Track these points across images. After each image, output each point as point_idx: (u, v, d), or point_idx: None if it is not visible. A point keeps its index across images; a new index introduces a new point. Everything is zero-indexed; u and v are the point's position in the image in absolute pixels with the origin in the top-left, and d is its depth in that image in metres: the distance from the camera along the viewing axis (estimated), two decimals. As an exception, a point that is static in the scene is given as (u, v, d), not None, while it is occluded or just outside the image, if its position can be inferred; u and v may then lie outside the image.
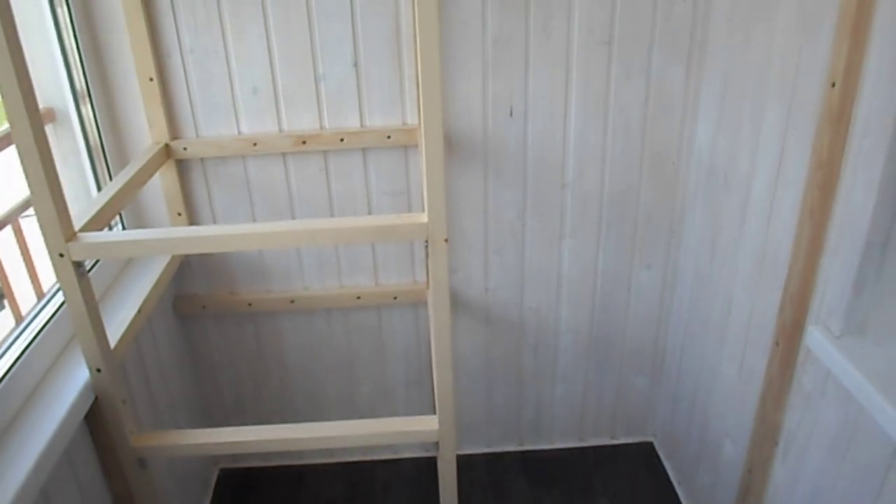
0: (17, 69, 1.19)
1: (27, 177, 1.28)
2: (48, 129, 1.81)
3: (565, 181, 2.02)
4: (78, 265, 1.37)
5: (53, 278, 1.49)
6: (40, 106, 1.74)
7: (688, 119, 1.96)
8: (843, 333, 1.35)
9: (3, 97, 1.21)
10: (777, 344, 1.56)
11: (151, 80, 1.83)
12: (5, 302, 1.71)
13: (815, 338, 1.40)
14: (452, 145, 1.96)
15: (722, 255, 1.87)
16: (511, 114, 1.92)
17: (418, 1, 1.18)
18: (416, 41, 1.35)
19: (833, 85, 1.28)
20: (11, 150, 1.40)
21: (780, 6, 1.51)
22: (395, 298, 2.15)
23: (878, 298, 1.32)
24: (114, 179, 1.69)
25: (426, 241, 1.48)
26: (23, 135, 1.23)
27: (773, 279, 1.58)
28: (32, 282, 1.95)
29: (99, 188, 1.91)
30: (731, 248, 1.81)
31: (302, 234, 1.37)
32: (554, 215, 2.07)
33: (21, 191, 1.51)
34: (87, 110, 1.86)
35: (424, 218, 1.36)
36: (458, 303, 2.21)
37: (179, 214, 1.99)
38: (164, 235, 1.39)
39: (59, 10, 1.74)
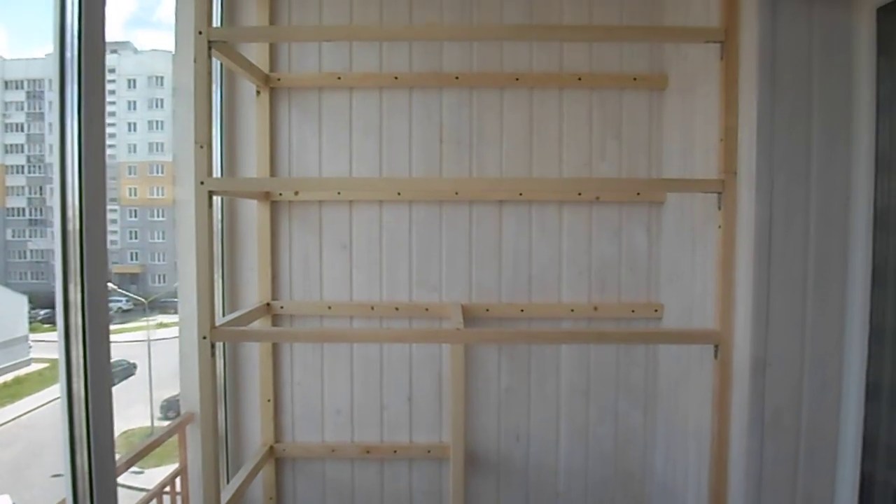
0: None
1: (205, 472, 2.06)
2: (188, 427, 2.62)
3: (558, 491, 2.70)
4: (215, 538, 2.08)
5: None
6: (183, 410, 2.59)
7: (648, 450, 2.68)
8: None
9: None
10: None
11: (269, 401, 2.68)
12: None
13: None
14: (476, 461, 2.69)
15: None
16: (517, 439, 2.68)
17: (452, 373, 2.02)
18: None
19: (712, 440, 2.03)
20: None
21: (691, 380, 2.31)
22: (426, 578, 2.74)
23: None
24: (232, 480, 2.45)
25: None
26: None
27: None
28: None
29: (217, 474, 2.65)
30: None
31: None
32: (550, 518, 2.72)
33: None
34: (221, 415, 2.68)
35: (447, 519, 2.06)
36: (474, 586, 2.77)
37: (271, 499, 2.71)
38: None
39: (220, 360, 2.65)
